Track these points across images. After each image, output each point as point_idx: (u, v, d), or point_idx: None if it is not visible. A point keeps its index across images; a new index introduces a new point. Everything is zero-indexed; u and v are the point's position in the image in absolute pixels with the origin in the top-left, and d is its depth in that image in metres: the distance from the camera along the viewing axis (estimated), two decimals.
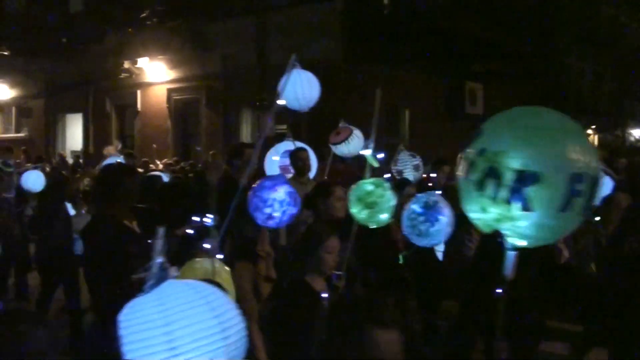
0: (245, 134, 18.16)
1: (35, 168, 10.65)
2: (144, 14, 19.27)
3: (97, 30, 20.44)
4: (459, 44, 15.88)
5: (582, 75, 23.97)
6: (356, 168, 9.49)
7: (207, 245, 3.78)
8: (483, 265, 4.70)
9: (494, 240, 2.87)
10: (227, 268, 3.71)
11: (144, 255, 4.12)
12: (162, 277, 1.80)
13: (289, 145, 7.06)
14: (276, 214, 4.34)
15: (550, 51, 18.39)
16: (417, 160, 7.96)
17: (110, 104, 21.33)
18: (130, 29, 19.40)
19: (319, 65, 15.91)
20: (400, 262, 5.79)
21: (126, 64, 19.50)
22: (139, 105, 20.28)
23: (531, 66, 18.30)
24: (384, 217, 4.60)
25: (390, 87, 15.65)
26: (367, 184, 4.62)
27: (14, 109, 24.82)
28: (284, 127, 17.05)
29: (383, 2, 15.87)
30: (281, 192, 4.32)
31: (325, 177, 7.15)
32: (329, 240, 3.85)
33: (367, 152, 4.67)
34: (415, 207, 4.82)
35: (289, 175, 6.48)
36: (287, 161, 6.88)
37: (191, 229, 4.82)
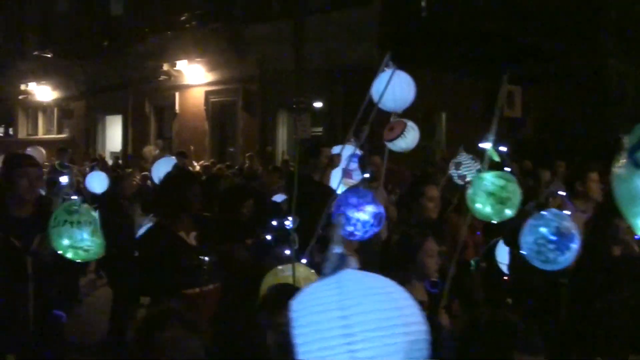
0: (282, 136, 18.25)
1: (92, 169, 10.69)
2: (184, 17, 19.52)
3: (137, 33, 20.77)
4: (497, 46, 15.73)
5: (625, 77, 23.52)
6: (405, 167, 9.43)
7: (287, 252, 3.68)
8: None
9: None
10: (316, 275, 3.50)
11: (192, 269, 4.16)
12: (339, 266, 1.71)
13: (352, 148, 6.70)
14: (358, 233, 4.27)
15: (590, 52, 18.08)
16: (480, 165, 7.75)
17: (149, 105, 21.63)
18: (169, 32, 19.66)
19: (355, 69, 15.99)
20: (472, 268, 5.68)
21: (165, 67, 19.76)
22: (177, 107, 20.53)
23: (570, 68, 18.03)
24: (510, 213, 4.36)
25: (426, 90, 15.59)
26: (496, 178, 4.37)
27: (56, 110, 25.33)
28: (320, 129, 17.13)
29: (420, 5, 15.82)
30: (367, 215, 4.22)
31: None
32: (427, 243, 3.71)
33: (487, 146, 4.46)
34: (545, 232, 4.24)
35: (353, 181, 6.22)
36: (351, 165, 6.51)
37: (270, 234, 4.72)
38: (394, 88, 5.74)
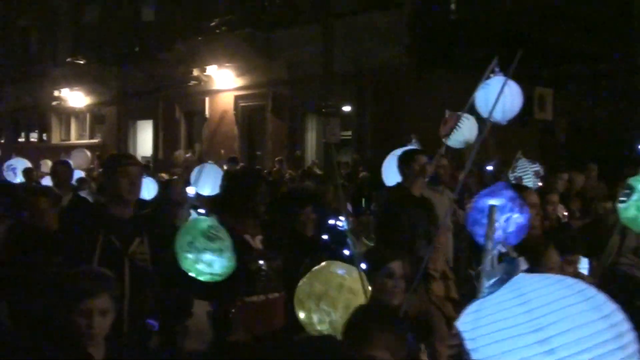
0: (311, 140, 18.28)
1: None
2: (213, 23, 19.67)
3: (167, 39, 20.99)
4: (528, 49, 15.56)
5: None
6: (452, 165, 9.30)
7: (346, 252, 3.57)
8: None
9: None
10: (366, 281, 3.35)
11: (257, 275, 4.05)
12: (511, 272, 1.48)
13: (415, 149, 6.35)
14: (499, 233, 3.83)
15: (623, 54, 17.81)
16: (537, 166, 7.51)
17: (179, 110, 21.82)
18: (199, 38, 19.82)
19: (385, 72, 15.98)
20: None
21: (195, 72, 19.93)
22: (207, 112, 20.68)
23: (603, 70, 17.78)
24: None
25: (457, 93, 15.49)
26: None
27: (88, 116, 25.69)
28: (349, 133, 17.12)
29: (450, 7, 15.73)
30: (500, 198, 3.76)
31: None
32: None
33: None
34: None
35: None
36: None
37: (327, 233, 4.53)
38: (504, 98, 5.37)
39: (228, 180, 5.09)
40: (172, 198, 7.09)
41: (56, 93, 25.24)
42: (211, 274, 3.60)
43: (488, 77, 5.29)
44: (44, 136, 27.56)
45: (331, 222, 4.46)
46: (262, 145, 19.41)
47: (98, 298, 2.78)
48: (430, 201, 5.38)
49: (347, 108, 16.43)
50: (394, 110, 15.53)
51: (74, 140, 26.01)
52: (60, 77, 25.03)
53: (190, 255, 3.58)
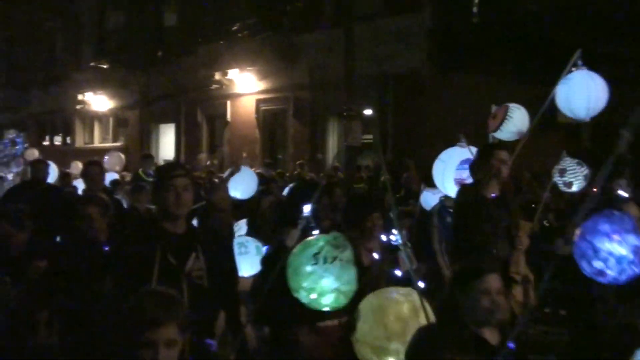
0: (332, 144, 18.27)
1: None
2: (235, 27, 19.76)
3: (189, 43, 21.12)
4: (551, 52, 15.43)
5: None
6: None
7: (398, 273, 3.37)
8: None
9: None
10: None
11: None
12: None
13: (464, 152, 5.92)
14: (610, 272, 3.36)
15: None
16: (587, 170, 7.16)
17: (201, 114, 21.93)
18: (221, 42, 19.92)
19: (406, 75, 15.90)
20: None
21: (217, 76, 20.02)
22: (228, 116, 20.77)
23: (627, 71, 17.55)
24: None
25: (479, 97, 15.38)
26: None
27: (111, 120, 25.92)
28: (370, 136, 17.07)
29: (472, 10, 15.64)
30: (623, 248, 3.31)
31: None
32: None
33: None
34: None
35: None
36: (464, 173, 5.70)
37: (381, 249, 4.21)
38: (589, 92, 5.07)
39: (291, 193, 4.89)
40: (215, 204, 6.71)
41: (80, 97, 25.50)
42: (338, 290, 3.27)
43: (570, 71, 4.97)
44: (68, 139, 27.85)
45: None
46: (284, 149, 19.44)
47: (165, 327, 2.42)
48: (508, 199, 4.90)
49: (368, 111, 16.40)
50: (415, 113, 15.46)
51: (97, 143, 26.26)
52: (84, 81, 25.30)
53: (315, 269, 3.28)
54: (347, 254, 3.32)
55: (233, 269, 5.95)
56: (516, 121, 6.00)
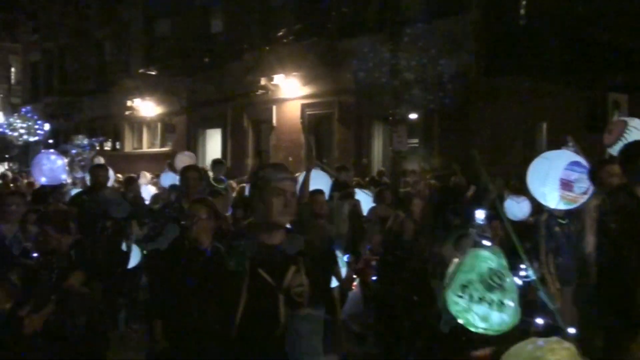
0: (377, 148, 18.24)
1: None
2: (281, 33, 19.90)
3: (236, 49, 21.34)
4: (601, 54, 15.13)
5: None
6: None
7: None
8: None
9: None
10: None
11: None
12: None
13: (570, 155, 5.59)
14: None
15: None
16: None
17: (247, 119, 22.12)
18: (267, 47, 20.08)
19: (453, 79, 15.73)
20: None
21: (263, 81, 20.18)
22: (274, 121, 20.90)
23: None
24: None
25: (527, 100, 15.17)
26: None
27: (159, 125, 26.35)
28: (416, 141, 16.99)
29: (520, 13, 15.45)
30: None
31: None
32: None
33: None
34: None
35: (572, 195, 5.18)
36: (572, 175, 5.36)
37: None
38: None
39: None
40: (316, 212, 6.51)
41: (129, 103, 25.99)
42: (484, 328, 2.95)
43: None
44: (117, 145, 28.40)
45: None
46: (329, 154, 19.46)
47: None
48: None
49: (414, 116, 16.32)
50: (462, 117, 15.33)
51: (145, 148, 26.73)
52: (133, 87, 25.78)
53: (461, 302, 2.95)
54: (501, 295, 2.89)
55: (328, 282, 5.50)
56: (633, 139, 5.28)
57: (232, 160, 22.16)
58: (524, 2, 15.84)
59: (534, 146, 17.07)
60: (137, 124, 27.35)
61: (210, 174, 11.36)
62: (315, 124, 20.13)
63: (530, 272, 2.96)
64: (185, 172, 6.97)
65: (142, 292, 8.24)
